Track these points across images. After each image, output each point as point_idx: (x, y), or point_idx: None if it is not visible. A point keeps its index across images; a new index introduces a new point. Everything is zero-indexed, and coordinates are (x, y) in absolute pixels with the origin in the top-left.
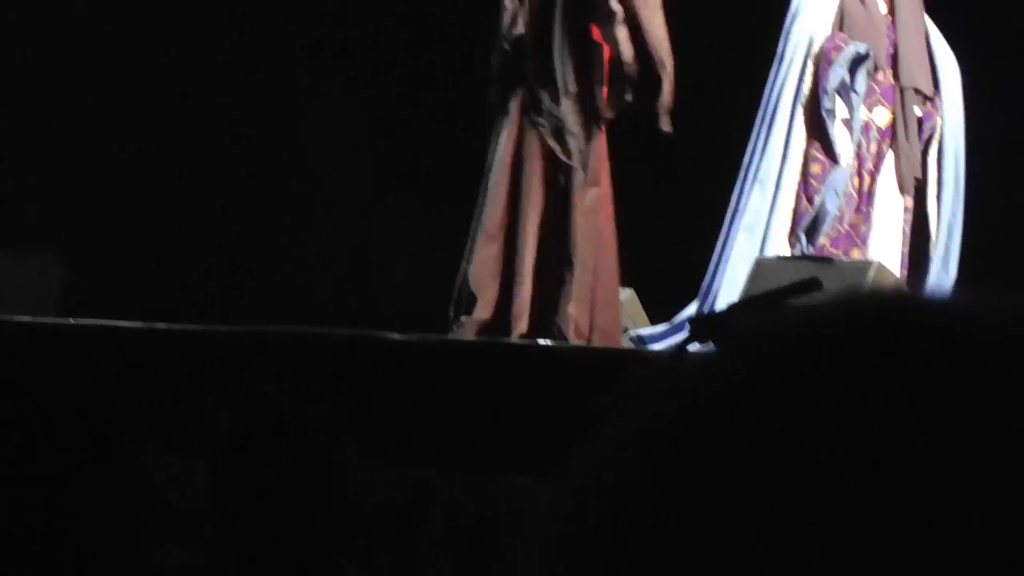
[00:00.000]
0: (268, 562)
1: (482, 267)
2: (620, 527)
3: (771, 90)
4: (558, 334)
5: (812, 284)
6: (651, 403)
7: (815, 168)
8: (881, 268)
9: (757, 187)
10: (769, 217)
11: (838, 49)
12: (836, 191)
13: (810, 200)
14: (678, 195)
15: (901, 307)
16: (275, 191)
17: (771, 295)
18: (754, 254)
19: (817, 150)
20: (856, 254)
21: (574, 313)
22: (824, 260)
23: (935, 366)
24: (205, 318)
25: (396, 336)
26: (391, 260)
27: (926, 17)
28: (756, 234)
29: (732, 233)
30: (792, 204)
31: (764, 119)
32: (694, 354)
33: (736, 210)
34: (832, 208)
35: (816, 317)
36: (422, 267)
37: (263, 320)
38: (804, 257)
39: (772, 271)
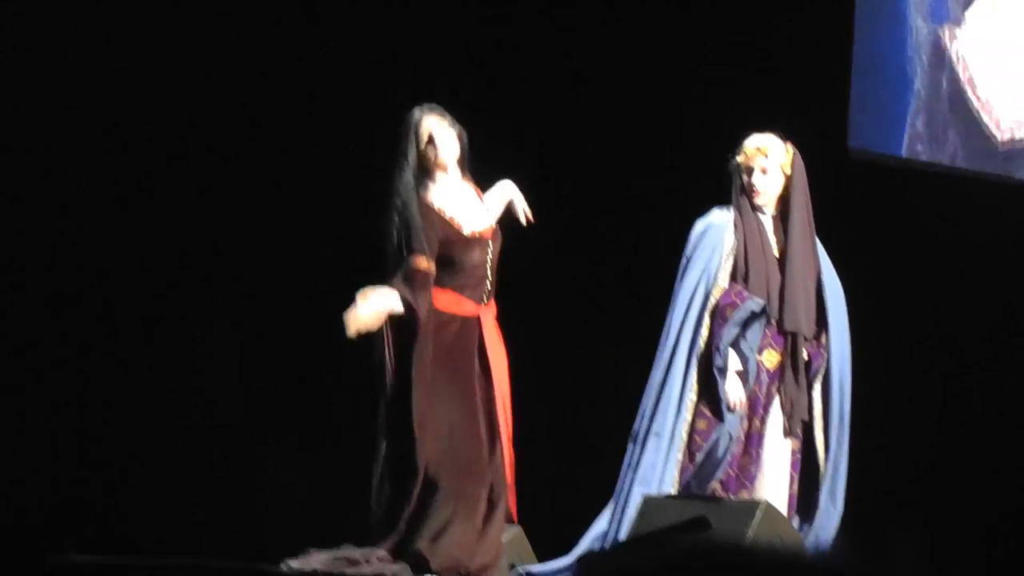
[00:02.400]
0: None
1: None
2: None
3: (667, 339)
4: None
5: (700, 523)
6: None
7: (701, 424)
8: (769, 508)
9: (652, 439)
10: (663, 470)
11: (734, 307)
12: (731, 435)
13: (692, 457)
14: (574, 438)
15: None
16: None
17: (658, 534)
18: None
19: (704, 406)
20: (745, 495)
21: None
22: (712, 499)
23: None
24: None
25: (285, 568)
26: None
27: (820, 249)
28: (651, 487)
29: (628, 485)
30: (683, 457)
31: (660, 368)
32: None
33: (635, 463)
34: (723, 454)
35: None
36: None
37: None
38: (692, 496)
39: (659, 510)
